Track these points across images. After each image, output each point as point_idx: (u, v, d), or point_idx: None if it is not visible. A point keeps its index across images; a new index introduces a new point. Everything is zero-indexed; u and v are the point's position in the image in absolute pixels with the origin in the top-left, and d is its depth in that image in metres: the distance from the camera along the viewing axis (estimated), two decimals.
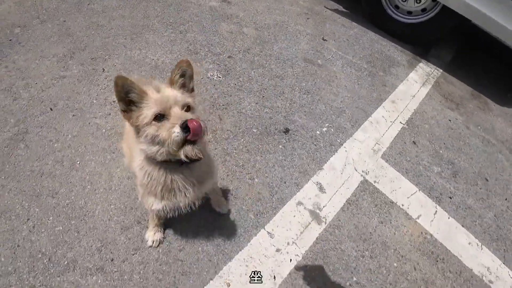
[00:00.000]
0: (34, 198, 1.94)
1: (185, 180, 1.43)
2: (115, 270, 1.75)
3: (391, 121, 3.00)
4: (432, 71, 3.79)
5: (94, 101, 2.46)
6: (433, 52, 4.08)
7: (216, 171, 1.69)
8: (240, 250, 1.93)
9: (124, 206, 1.97)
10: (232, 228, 2.01)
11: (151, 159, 1.35)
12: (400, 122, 3.03)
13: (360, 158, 2.61)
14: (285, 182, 2.29)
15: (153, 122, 1.21)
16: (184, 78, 1.36)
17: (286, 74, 3.06)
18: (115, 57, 2.80)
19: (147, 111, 1.21)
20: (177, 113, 1.20)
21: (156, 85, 1.32)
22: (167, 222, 1.92)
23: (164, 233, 1.91)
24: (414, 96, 3.36)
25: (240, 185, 2.21)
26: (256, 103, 2.74)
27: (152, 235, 1.85)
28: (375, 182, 2.51)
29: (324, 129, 2.72)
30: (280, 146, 2.49)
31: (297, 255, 1.99)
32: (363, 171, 2.54)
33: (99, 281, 1.71)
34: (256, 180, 2.27)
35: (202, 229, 1.97)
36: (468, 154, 3.03)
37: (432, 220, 2.43)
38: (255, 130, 2.55)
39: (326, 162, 2.49)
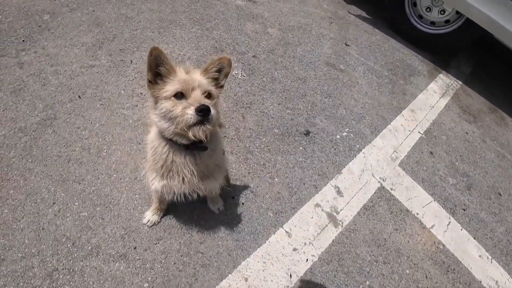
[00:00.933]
0: (61, 183, 1.98)
1: (185, 165, 1.46)
2: (138, 258, 1.78)
3: (409, 130, 2.99)
4: (452, 82, 3.76)
5: (122, 91, 2.49)
6: (453, 63, 4.05)
7: (223, 176, 1.74)
8: (259, 247, 1.95)
9: (148, 196, 2.00)
10: (251, 225, 2.03)
11: (160, 134, 1.40)
12: (419, 132, 3.02)
13: (378, 164, 2.61)
14: (304, 183, 2.31)
15: (172, 98, 1.27)
16: (219, 74, 1.41)
17: (308, 76, 3.06)
18: (143, 49, 2.83)
19: (170, 87, 1.27)
20: (196, 96, 1.25)
21: (187, 67, 1.38)
22: (177, 213, 1.94)
23: (161, 218, 1.94)
24: (433, 106, 3.35)
25: (261, 183, 2.23)
26: (279, 104, 2.75)
27: (150, 215, 1.91)
28: (391, 189, 2.50)
29: (344, 133, 2.72)
30: (301, 148, 2.50)
31: (313, 255, 2.00)
32: (380, 178, 2.54)
33: (121, 268, 1.74)
34: (276, 179, 2.28)
35: (223, 224, 1.99)
36: (483, 168, 3.02)
37: (445, 231, 2.43)
38: (276, 131, 2.56)
39: (344, 167, 2.50)
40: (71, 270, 1.71)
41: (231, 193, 2.14)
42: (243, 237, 1.97)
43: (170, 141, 1.40)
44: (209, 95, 1.32)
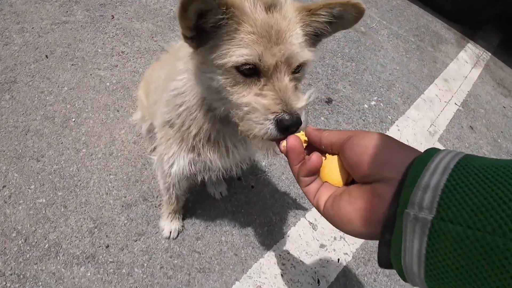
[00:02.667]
0: (14, 160, 1.42)
1: (235, 136, 0.90)
2: (110, 260, 1.24)
3: (445, 101, 2.43)
4: (481, 53, 3.20)
5: (99, 50, 1.92)
6: (480, 34, 3.48)
7: None
8: (275, 244, 1.41)
9: (127, 177, 1.45)
10: (264, 215, 1.48)
11: (202, 97, 0.81)
12: (455, 104, 2.46)
13: (415, 139, 2.06)
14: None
15: (234, 71, 0.65)
16: (328, 25, 0.71)
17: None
18: (127, 3, 2.25)
19: (234, 51, 0.63)
20: (282, 85, 0.64)
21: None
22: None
23: (183, 221, 1.38)
24: (466, 77, 2.79)
25: (275, 161, 1.67)
26: None
27: (168, 223, 1.32)
28: None
29: (373, 102, 2.16)
30: (322, 118, 1.94)
31: (346, 253, 1.46)
32: None
33: (88, 274, 1.20)
34: None
35: (227, 214, 1.45)
36: None
37: None
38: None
39: None
40: (21, 276, 1.17)
41: (236, 174, 1.59)
42: (254, 231, 1.42)
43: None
44: (297, 68, 0.69)
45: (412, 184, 0.32)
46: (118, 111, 1.65)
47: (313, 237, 1.47)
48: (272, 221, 1.47)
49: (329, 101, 2.04)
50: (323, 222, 1.53)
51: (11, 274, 1.18)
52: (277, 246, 1.40)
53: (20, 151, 1.46)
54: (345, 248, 1.47)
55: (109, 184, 1.41)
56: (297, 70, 0.68)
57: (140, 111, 1.45)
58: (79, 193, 1.37)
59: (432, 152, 0.34)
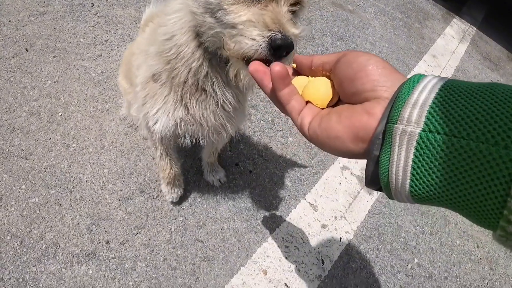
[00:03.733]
0: (2, 160, 1.35)
1: (226, 86, 0.85)
2: (112, 256, 1.20)
3: None
4: (467, 28, 3.18)
5: (81, 40, 1.82)
6: (465, 9, 3.46)
7: (244, 119, 1.10)
8: (277, 227, 1.39)
9: (121, 170, 1.39)
10: (264, 199, 1.45)
11: (194, 27, 0.77)
12: None
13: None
14: None
15: None
16: None
17: (314, 17, 2.43)
18: None
19: None
20: (278, 11, 0.63)
21: None
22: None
23: (183, 188, 1.35)
24: (453, 52, 2.78)
25: (271, 145, 1.64)
26: None
27: (168, 188, 1.31)
28: None
29: None
30: None
31: (348, 232, 1.45)
32: None
33: (90, 272, 1.16)
34: (290, 138, 1.69)
35: (226, 200, 1.41)
36: None
37: None
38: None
39: None
40: (21, 280, 1.13)
41: (234, 160, 1.55)
42: (255, 216, 1.40)
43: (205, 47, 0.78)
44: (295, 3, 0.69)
45: (402, 101, 0.32)
46: (106, 102, 1.58)
47: (314, 218, 1.45)
48: (273, 205, 1.44)
49: None
50: (323, 203, 1.51)
51: (9, 279, 1.13)
52: (280, 229, 1.38)
53: (7, 150, 1.39)
54: (346, 227, 1.46)
55: (104, 178, 1.35)
56: (295, 4, 0.67)
57: (125, 99, 1.39)
58: (73, 189, 1.32)
59: (420, 76, 0.35)
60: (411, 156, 0.31)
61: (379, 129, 0.34)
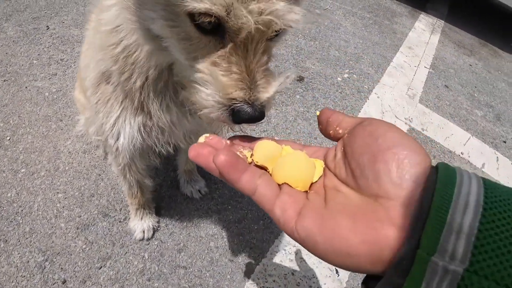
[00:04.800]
0: None
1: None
2: None
3: (415, 66, 2.29)
4: (435, 21, 3.14)
5: (35, 61, 1.60)
6: (429, 5, 3.44)
7: None
8: (276, 238, 1.13)
9: (79, 192, 1.12)
10: (256, 207, 1.20)
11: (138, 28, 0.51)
12: (425, 67, 2.33)
13: (397, 104, 1.87)
14: (315, 137, 1.51)
15: (190, 25, 0.41)
16: None
17: None
18: (63, 14, 1.95)
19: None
20: (254, 62, 0.43)
21: None
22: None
23: (156, 215, 1.08)
24: (427, 42, 2.68)
25: None
26: None
27: (139, 221, 1.02)
28: (423, 129, 1.77)
29: (346, 75, 1.96)
30: (298, 96, 1.71)
31: None
32: (405, 118, 1.79)
33: None
34: (276, 138, 1.46)
35: (210, 214, 1.15)
36: (501, 97, 2.38)
37: (498, 168, 1.74)
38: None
39: (359, 111, 1.73)
40: None
41: None
42: (248, 228, 1.14)
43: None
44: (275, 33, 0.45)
45: (439, 223, 0.23)
46: (61, 120, 1.33)
47: None
48: (267, 214, 1.18)
49: (300, 79, 1.81)
50: None
51: None
52: (279, 240, 1.12)
53: None
54: None
55: (58, 205, 1.08)
56: (274, 36, 0.44)
57: (82, 114, 1.15)
58: (21, 221, 1.03)
59: (451, 173, 0.25)
60: None
61: (405, 252, 0.25)
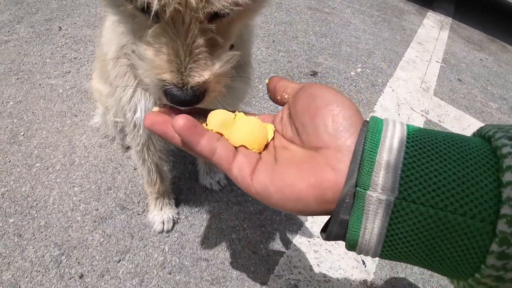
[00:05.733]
0: None
1: None
2: None
3: (426, 61, 2.24)
4: (443, 18, 3.09)
5: (48, 60, 1.58)
6: (436, 3, 3.41)
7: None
8: (299, 229, 1.07)
9: (96, 186, 1.08)
10: None
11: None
12: (437, 61, 2.27)
13: (412, 97, 1.81)
14: None
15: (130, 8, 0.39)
16: None
17: (293, 20, 2.26)
18: (75, 15, 1.93)
19: None
20: (184, 42, 0.39)
21: None
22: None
23: (176, 207, 1.03)
24: (437, 38, 2.63)
25: None
26: (267, 48, 1.91)
27: (158, 212, 0.97)
28: (440, 121, 1.71)
29: (359, 69, 1.91)
30: None
31: None
32: (421, 110, 1.73)
33: None
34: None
35: (230, 206, 1.10)
36: None
37: None
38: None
39: (375, 104, 1.68)
40: None
41: None
42: (270, 219, 1.08)
43: None
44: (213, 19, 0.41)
45: (370, 162, 0.28)
46: (76, 116, 1.29)
47: None
48: None
49: (314, 73, 1.77)
50: None
51: None
52: (302, 232, 1.06)
53: None
54: None
55: (74, 198, 1.03)
56: (213, 21, 0.40)
57: (100, 106, 1.11)
58: (36, 215, 0.99)
59: (379, 123, 0.30)
60: (386, 225, 0.27)
61: (346, 191, 0.29)
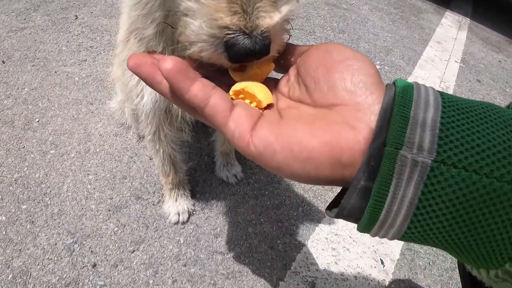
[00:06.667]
0: None
1: None
2: (101, 283, 0.83)
3: (445, 60, 2.18)
4: (461, 19, 3.02)
5: (64, 48, 1.56)
6: (454, 3, 3.33)
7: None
8: (316, 226, 1.03)
9: (111, 174, 1.05)
10: (294, 193, 1.11)
11: None
12: (455, 61, 2.21)
13: None
14: None
15: None
16: None
17: (310, 15, 2.22)
18: (92, 4, 1.92)
19: None
20: None
21: None
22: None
23: (192, 199, 1.00)
24: (455, 38, 2.57)
25: None
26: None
27: (173, 203, 0.95)
28: None
29: (377, 67, 1.85)
30: None
31: None
32: None
33: None
34: None
35: (247, 200, 1.07)
36: None
37: None
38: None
39: None
40: None
41: None
42: (287, 214, 1.05)
43: None
44: None
45: (404, 118, 0.23)
46: (92, 104, 1.27)
47: None
48: (306, 200, 1.09)
49: None
50: None
51: None
52: (320, 228, 1.02)
53: None
54: None
55: (89, 186, 1.01)
56: None
57: (120, 92, 1.09)
58: (49, 202, 0.97)
59: (407, 82, 0.26)
60: (419, 194, 0.23)
61: (371, 152, 0.24)
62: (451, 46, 2.41)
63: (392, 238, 0.26)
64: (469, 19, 3.08)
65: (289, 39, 0.37)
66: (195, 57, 0.34)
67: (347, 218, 0.27)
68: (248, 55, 0.31)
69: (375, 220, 0.24)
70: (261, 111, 0.30)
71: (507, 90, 2.14)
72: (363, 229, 0.26)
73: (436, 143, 0.22)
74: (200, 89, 0.28)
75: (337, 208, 0.26)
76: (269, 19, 0.32)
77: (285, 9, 0.33)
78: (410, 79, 1.84)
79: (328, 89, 0.28)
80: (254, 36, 0.31)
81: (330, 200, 0.90)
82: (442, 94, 0.25)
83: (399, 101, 0.24)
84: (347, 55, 0.29)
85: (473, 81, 2.07)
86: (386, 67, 1.88)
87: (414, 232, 0.24)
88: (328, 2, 2.46)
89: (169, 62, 0.27)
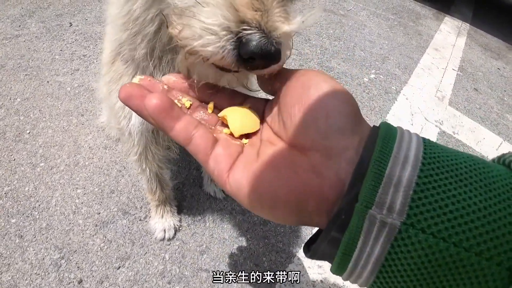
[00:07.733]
0: None
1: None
2: None
3: (442, 68, 2.17)
4: (461, 24, 3.01)
5: (57, 57, 1.57)
6: (454, 8, 3.32)
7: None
8: (303, 242, 1.04)
9: (99, 188, 1.07)
10: None
11: None
12: (453, 69, 2.21)
13: (426, 106, 1.76)
14: None
15: None
16: None
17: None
18: (86, 11, 1.93)
19: None
20: None
21: None
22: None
23: (178, 215, 1.01)
24: (454, 45, 2.56)
25: None
26: None
27: (159, 219, 0.96)
28: (454, 133, 1.65)
29: (372, 76, 1.87)
30: None
31: None
32: (435, 121, 1.68)
33: None
34: None
35: (234, 215, 1.07)
36: None
37: None
38: None
39: (388, 112, 1.64)
40: None
41: None
42: (274, 231, 1.06)
43: None
44: None
45: (377, 176, 0.23)
46: (82, 115, 1.29)
47: None
48: None
49: None
50: None
51: None
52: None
53: None
54: None
55: (77, 201, 1.02)
56: None
57: (105, 111, 1.10)
58: (38, 217, 0.98)
59: (392, 130, 0.26)
60: (385, 253, 0.23)
61: (343, 205, 0.24)
62: (449, 53, 2.40)
63: (361, 286, 0.26)
64: (468, 24, 3.08)
65: (289, 56, 0.36)
66: (194, 53, 0.33)
67: (320, 260, 0.27)
68: (262, 56, 0.30)
69: (343, 269, 0.25)
70: (243, 140, 0.32)
71: (505, 99, 2.14)
72: (334, 273, 0.27)
73: (407, 205, 0.22)
74: (182, 129, 0.29)
75: (309, 250, 0.28)
76: (287, 25, 0.31)
77: (297, 22, 0.33)
78: (405, 89, 1.84)
79: (302, 129, 0.27)
80: (271, 38, 0.30)
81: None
82: (425, 145, 0.25)
83: (376, 156, 0.24)
84: (325, 91, 0.27)
85: (470, 90, 2.07)
86: (381, 76, 1.88)
87: (380, 286, 0.25)
88: (324, 8, 2.46)
89: (153, 100, 0.28)
